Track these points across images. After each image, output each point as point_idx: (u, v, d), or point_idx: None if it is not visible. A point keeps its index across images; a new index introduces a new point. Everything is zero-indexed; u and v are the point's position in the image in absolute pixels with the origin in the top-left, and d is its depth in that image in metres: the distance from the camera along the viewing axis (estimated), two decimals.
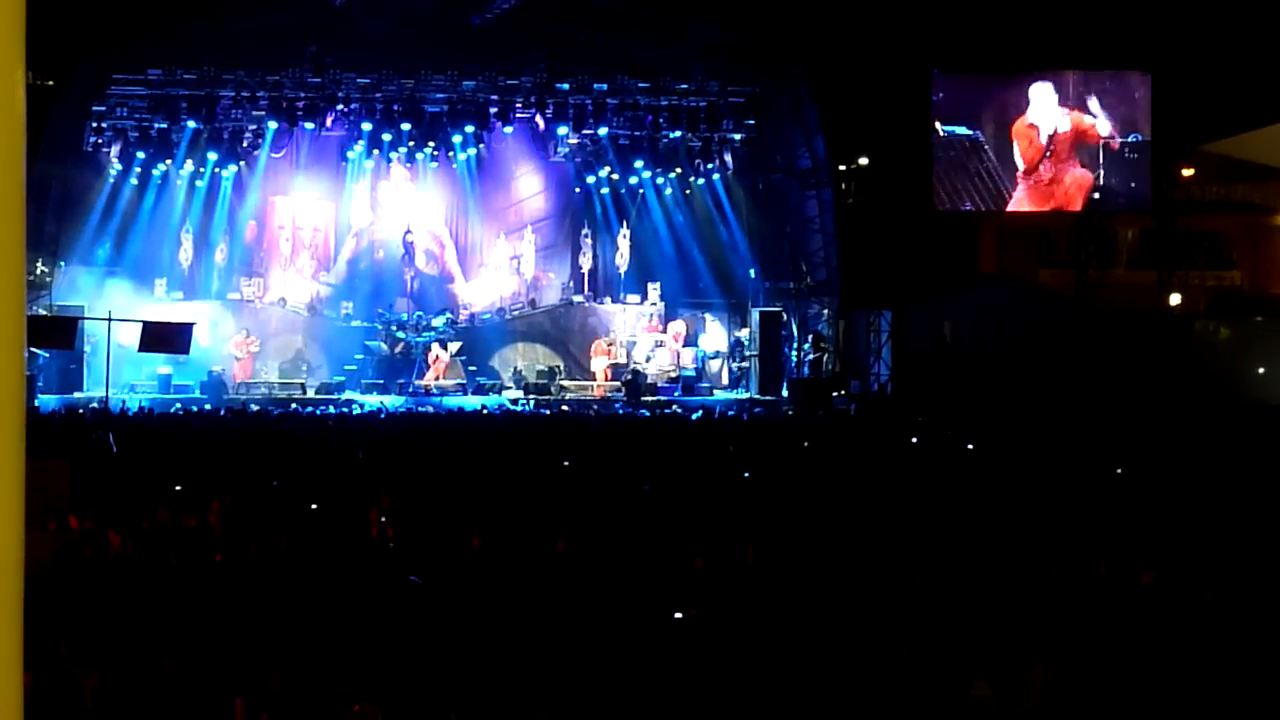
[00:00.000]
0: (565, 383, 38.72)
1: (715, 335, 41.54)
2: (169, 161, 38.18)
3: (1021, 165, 39.19)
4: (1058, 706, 9.61)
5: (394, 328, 38.45)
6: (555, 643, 10.57)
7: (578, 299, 41.19)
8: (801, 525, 16.36)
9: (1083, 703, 9.67)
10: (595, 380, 38.84)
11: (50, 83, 34.78)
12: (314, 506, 17.18)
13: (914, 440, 26.87)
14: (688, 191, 40.92)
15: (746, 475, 20.87)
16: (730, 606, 12.09)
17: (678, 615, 11.69)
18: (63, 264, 36.84)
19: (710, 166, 40.03)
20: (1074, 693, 9.74)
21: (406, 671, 10.09)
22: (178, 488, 18.13)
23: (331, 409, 32.84)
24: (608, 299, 41.24)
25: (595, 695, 9.76)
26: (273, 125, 38.13)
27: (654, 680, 10.00)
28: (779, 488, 19.40)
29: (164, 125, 37.44)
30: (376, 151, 39.42)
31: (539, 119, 38.99)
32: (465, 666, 10.24)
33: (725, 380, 40.14)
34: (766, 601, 12.36)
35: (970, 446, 25.51)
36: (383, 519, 15.94)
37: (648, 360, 39.49)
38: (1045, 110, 39.08)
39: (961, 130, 39.27)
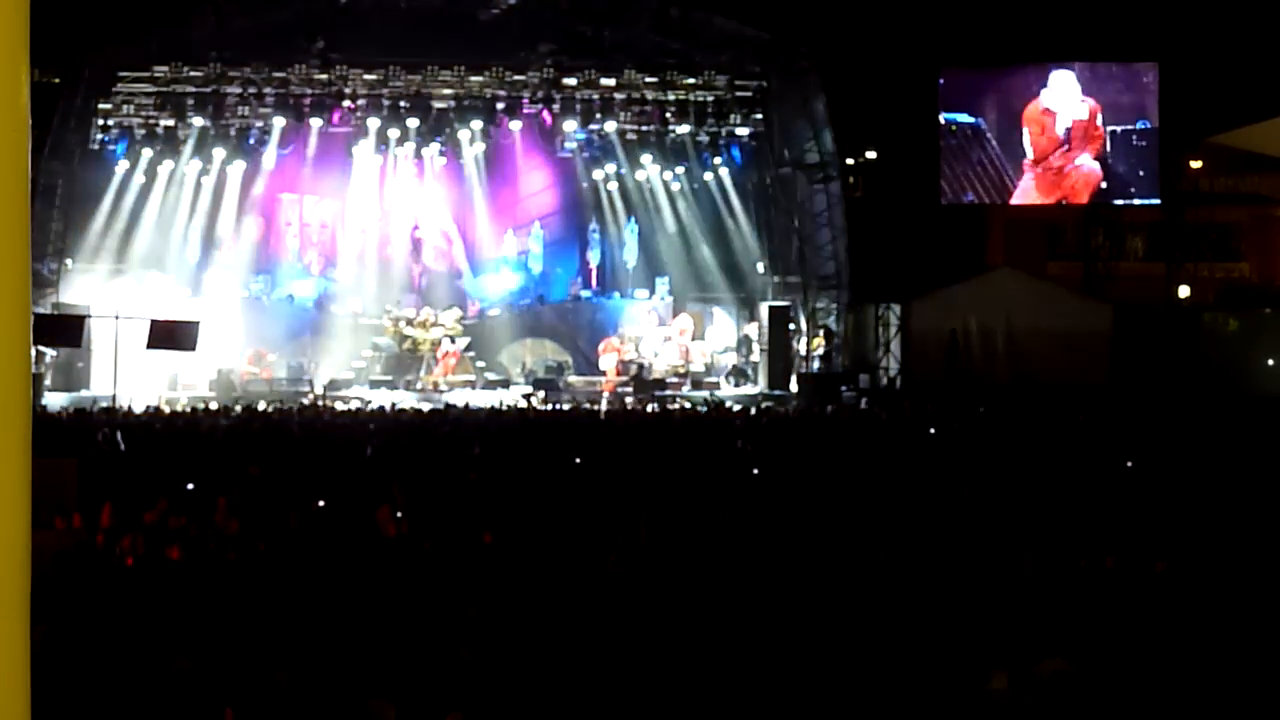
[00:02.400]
0: (573, 379, 38.71)
1: (724, 330, 41.53)
2: (176, 159, 38.18)
3: (1031, 154, 39.09)
4: (1071, 699, 9.58)
5: (402, 324, 38.49)
6: (568, 638, 10.56)
7: (585, 294, 41.24)
8: (814, 519, 16.34)
9: (1096, 695, 9.64)
10: (604, 376, 38.83)
11: (56, 80, 34.78)
12: (321, 504, 17.18)
13: (931, 431, 26.82)
14: (695, 186, 40.90)
15: (755, 472, 20.84)
16: (744, 600, 12.08)
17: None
18: (69, 262, 36.83)
19: (718, 161, 40.03)
20: (1087, 685, 9.71)
21: (418, 668, 10.08)
22: (186, 486, 18.13)
23: (339, 405, 32.81)
24: (616, 294, 41.27)
25: (608, 689, 9.74)
26: (279, 122, 38.14)
27: (667, 675, 9.98)
28: (790, 482, 19.37)
29: (170, 122, 37.46)
30: (384, 147, 39.43)
31: (546, 114, 38.98)
32: (477, 663, 10.22)
33: (733, 375, 40.11)
34: (780, 594, 12.34)
35: (981, 439, 25.47)
36: (398, 515, 15.90)
37: (655, 355, 39.51)
38: (1064, 97, 38.95)
39: (963, 118, 39.21)
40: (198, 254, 39.08)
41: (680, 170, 40.58)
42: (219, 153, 38.34)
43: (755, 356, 39.60)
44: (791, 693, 9.42)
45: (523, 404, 33.88)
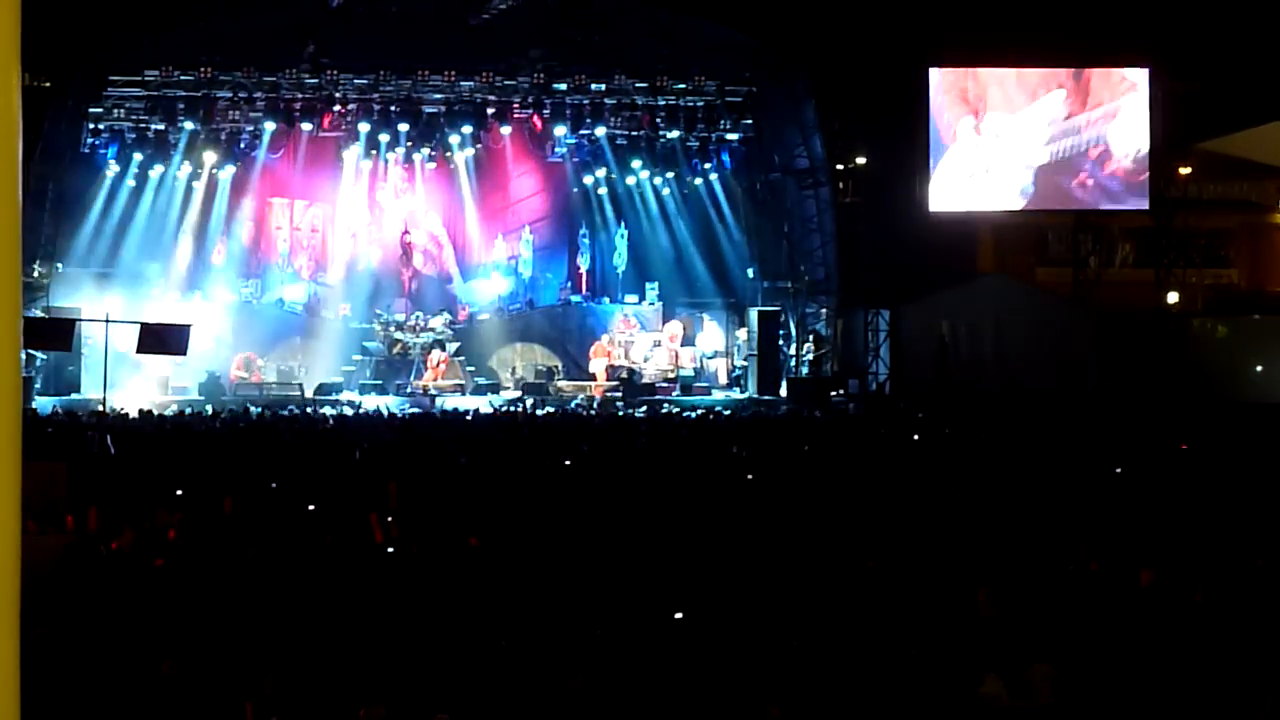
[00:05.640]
0: (563, 383, 38.72)
1: (713, 335, 41.56)
2: (166, 163, 38.15)
3: (1022, 164, 39.14)
4: (1063, 704, 9.60)
5: (392, 328, 38.50)
6: (556, 642, 10.56)
7: (575, 299, 41.26)
8: (804, 525, 16.33)
9: (1086, 700, 9.66)
10: (594, 380, 38.85)
11: (47, 84, 34.70)
12: (310, 507, 17.15)
13: (915, 437, 26.84)
14: (685, 191, 40.93)
15: (750, 477, 20.83)
16: (734, 606, 12.08)
17: (678, 615, 11.67)
18: (60, 266, 36.78)
19: (708, 166, 40.07)
20: (1077, 690, 9.73)
21: (409, 672, 10.08)
22: (176, 491, 18.09)
23: (329, 410, 32.78)
24: (605, 299, 41.29)
25: (597, 695, 9.75)
26: (270, 126, 38.09)
27: (656, 681, 9.99)
28: (781, 487, 19.37)
29: (161, 126, 37.43)
30: (374, 152, 39.42)
31: (536, 119, 39.01)
32: (466, 667, 10.23)
33: (724, 380, 40.15)
34: (770, 601, 12.34)
35: (969, 445, 25.50)
36: (389, 519, 15.86)
37: (645, 360, 39.54)
38: (1051, 116, 39.01)
39: (954, 126, 39.23)
40: (188, 258, 39.04)
41: (670, 175, 40.62)
42: (209, 157, 38.32)
43: (745, 362, 39.61)
44: (786, 697, 9.43)
45: (511, 408, 33.84)
